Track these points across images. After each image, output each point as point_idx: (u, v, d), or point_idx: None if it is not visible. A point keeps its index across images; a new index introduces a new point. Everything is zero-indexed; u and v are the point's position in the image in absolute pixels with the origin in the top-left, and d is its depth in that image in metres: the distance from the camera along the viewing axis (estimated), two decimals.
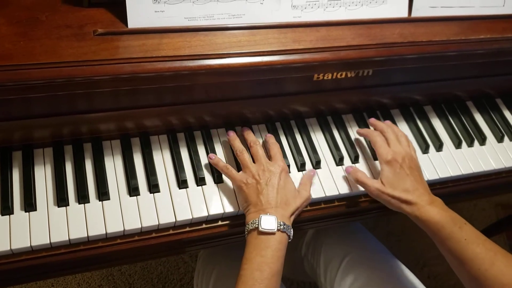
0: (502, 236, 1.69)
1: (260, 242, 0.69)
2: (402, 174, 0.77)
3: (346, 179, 0.83)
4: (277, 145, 0.81)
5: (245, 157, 0.78)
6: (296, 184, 0.79)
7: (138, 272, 1.40)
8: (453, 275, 1.65)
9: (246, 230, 0.72)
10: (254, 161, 0.78)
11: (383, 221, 1.57)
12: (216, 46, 0.73)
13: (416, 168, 0.79)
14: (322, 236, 0.99)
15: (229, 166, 0.78)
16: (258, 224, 0.69)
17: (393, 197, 0.76)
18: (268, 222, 0.69)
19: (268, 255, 0.68)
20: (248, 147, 0.81)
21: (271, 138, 0.83)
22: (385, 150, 0.80)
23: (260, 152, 0.78)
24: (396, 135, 0.83)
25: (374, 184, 0.78)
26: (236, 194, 0.78)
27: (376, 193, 0.78)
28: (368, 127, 0.90)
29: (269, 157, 0.80)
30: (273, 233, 0.69)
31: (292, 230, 0.72)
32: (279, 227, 0.69)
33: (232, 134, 0.82)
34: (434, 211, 0.73)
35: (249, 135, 0.82)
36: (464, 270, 0.70)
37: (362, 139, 0.89)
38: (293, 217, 0.74)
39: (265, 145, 0.83)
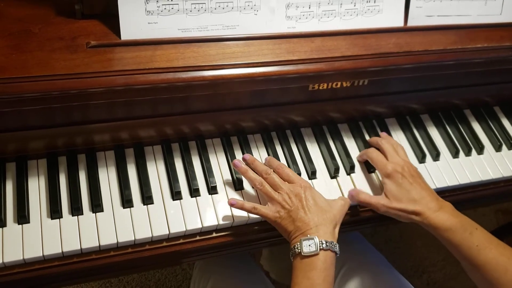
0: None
1: (305, 265, 0.68)
2: (406, 185, 0.77)
3: (339, 189, 0.82)
4: (284, 165, 0.78)
5: (268, 189, 0.74)
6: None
7: (135, 279, 1.40)
8: (452, 282, 1.64)
9: (291, 255, 0.71)
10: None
11: (381, 228, 1.56)
12: (210, 58, 0.72)
13: (418, 176, 0.79)
14: None
15: (256, 206, 0.74)
16: (300, 249, 0.68)
17: (401, 210, 0.76)
18: (309, 244, 0.68)
19: (314, 277, 0.67)
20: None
21: (273, 161, 0.79)
22: (383, 163, 0.80)
23: (277, 180, 0.75)
24: (392, 146, 0.83)
25: (380, 201, 0.77)
26: (275, 228, 0.75)
27: (383, 210, 0.77)
28: (364, 138, 0.90)
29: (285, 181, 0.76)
30: (316, 254, 0.68)
31: (337, 245, 0.70)
32: (321, 246, 0.68)
33: (242, 166, 0.77)
34: (444, 218, 0.73)
35: (258, 165, 0.78)
36: (478, 275, 0.70)
37: (356, 151, 0.88)
38: (337, 228, 0.73)
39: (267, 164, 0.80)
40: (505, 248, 0.69)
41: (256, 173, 0.77)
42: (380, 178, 0.81)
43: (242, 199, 0.78)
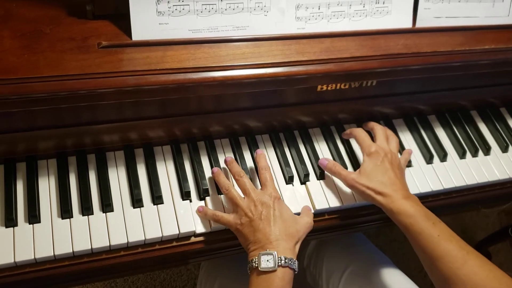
0: (506, 244, 1.68)
1: (261, 281, 0.66)
2: (382, 167, 0.77)
3: (348, 190, 0.83)
4: (268, 169, 0.77)
5: (233, 194, 0.73)
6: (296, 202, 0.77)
7: (141, 279, 1.40)
8: None
9: (248, 268, 0.68)
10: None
11: (386, 229, 1.57)
12: (220, 58, 0.73)
13: (398, 167, 0.78)
14: (324, 247, 0.99)
15: (217, 213, 0.73)
16: (257, 264, 0.66)
17: (368, 187, 0.75)
18: (268, 259, 0.66)
19: None
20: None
21: (261, 160, 0.78)
22: (369, 142, 0.81)
23: (247, 184, 0.73)
24: (385, 134, 0.83)
25: (350, 174, 0.78)
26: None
27: (350, 183, 0.77)
28: (372, 138, 0.90)
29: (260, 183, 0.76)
30: (274, 271, 0.65)
31: (296, 262, 0.68)
32: (280, 263, 0.65)
33: (216, 171, 0.77)
34: (408, 205, 0.72)
35: (233, 166, 0.76)
36: (435, 268, 0.68)
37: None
38: (298, 245, 0.70)
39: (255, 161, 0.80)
40: (465, 244, 0.68)
41: (232, 174, 0.76)
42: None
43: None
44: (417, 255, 0.72)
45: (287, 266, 0.66)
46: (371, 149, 0.79)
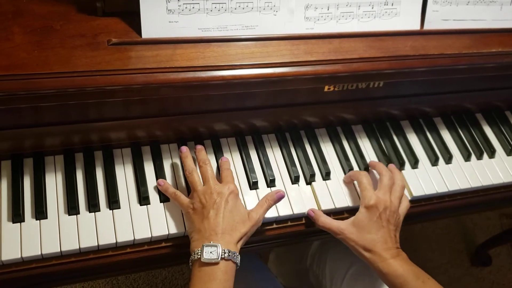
0: (506, 247, 1.69)
1: (204, 274, 0.65)
2: (377, 224, 0.74)
3: (354, 190, 0.83)
4: (228, 165, 0.77)
5: (194, 178, 0.73)
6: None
7: (142, 277, 1.40)
8: (456, 285, 1.64)
9: (190, 261, 0.67)
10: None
11: None
12: (230, 57, 0.73)
13: (394, 224, 0.75)
14: (327, 247, 0.99)
15: (177, 192, 0.74)
16: (200, 255, 0.65)
17: (357, 243, 0.74)
18: (211, 251, 0.65)
19: None
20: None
21: (224, 162, 0.78)
22: (370, 193, 0.76)
23: (209, 172, 0.73)
24: (391, 183, 0.78)
25: (340, 226, 0.75)
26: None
27: (341, 237, 0.75)
28: (378, 139, 0.90)
29: (220, 178, 0.75)
30: (217, 263, 0.64)
31: (239, 257, 0.67)
32: (223, 256, 0.65)
33: (185, 151, 0.77)
34: (397, 265, 0.71)
35: (200, 153, 0.77)
36: None
37: (370, 152, 0.89)
38: (240, 242, 0.69)
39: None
40: None
41: (198, 161, 0.76)
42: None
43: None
44: None
45: (230, 260, 0.66)
46: (371, 201, 0.75)
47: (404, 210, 0.79)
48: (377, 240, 0.73)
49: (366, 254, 0.73)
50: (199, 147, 0.78)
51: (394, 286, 0.71)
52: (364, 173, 0.80)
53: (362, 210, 0.76)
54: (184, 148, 0.78)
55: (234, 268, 0.67)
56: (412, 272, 0.71)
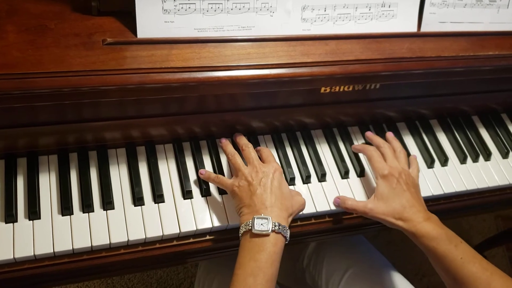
0: (501, 248, 1.69)
1: (254, 245, 0.65)
2: (399, 190, 0.75)
3: (351, 192, 0.83)
4: (268, 149, 0.79)
5: (237, 160, 0.75)
6: None
7: (137, 277, 1.40)
8: None
9: (240, 232, 0.68)
10: (247, 164, 0.75)
11: (385, 231, 1.57)
12: (226, 58, 0.72)
13: (413, 185, 0.77)
14: (324, 248, 0.99)
15: (220, 176, 0.76)
16: (251, 226, 0.66)
17: (387, 214, 0.74)
18: (262, 223, 0.66)
19: (262, 259, 0.64)
20: (240, 152, 0.79)
21: (261, 147, 0.81)
22: (381, 164, 0.79)
23: (252, 154, 0.76)
24: (393, 151, 0.82)
25: (367, 205, 0.76)
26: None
27: (370, 215, 0.76)
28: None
29: (262, 161, 0.77)
30: (267, 235, 0.65)
31: (289, 231, 0.68)
32: (273, 228, 0.66)
33: (224, 141, 0.81)
34: (430, 227, 0.72)
35: (241, 139, 0.80)
36: None
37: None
38: (290, 218, 0.71)
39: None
40: (488, 263, 0.68)
41: (239, 146, 0.79)
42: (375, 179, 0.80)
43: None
44: (440, 276, 0.73)
45: (280, 233, 0.66)
46: (385, 171, 0.77)
47: (416, 172, 0.81)
48: (404, 204, 0.74)
49: (399, 222, 0.73)
50: (239, 134, 0.82)
51: (427, 249, 0.72)
52: (373, 147, 0.83)
53: (379, 182, 0.77)
54: (223, 139, 0.81)
55: (284, 242, 0.68)
56: (445, 235, 0.71)
